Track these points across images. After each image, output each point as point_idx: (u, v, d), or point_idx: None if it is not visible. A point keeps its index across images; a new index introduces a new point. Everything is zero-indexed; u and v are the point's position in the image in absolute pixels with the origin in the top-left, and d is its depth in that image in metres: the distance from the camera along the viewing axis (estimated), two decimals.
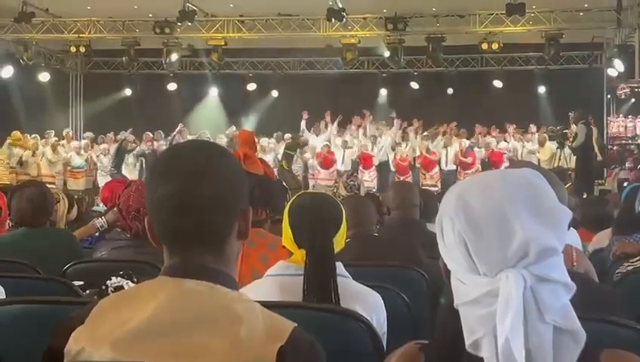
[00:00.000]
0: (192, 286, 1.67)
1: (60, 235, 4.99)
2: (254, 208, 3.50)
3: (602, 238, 5.83)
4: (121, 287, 3.07)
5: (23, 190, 4.96)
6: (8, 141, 19.63)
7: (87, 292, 3.24)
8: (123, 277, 3.14)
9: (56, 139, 20.65)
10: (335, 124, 20.98)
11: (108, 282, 3.12)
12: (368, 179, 19.27)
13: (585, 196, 13.52)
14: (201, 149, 1.80)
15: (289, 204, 3.07)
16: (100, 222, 5.65)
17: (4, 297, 3.07)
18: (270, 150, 19.97)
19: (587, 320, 1.57)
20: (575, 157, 17.20)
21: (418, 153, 20.14)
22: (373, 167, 20.02)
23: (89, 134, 21.80)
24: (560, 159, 17.55)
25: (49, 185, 15.74)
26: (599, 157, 18.28)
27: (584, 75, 21.42)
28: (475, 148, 19.96)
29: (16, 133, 19.82)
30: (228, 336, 1.59)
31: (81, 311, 1.69)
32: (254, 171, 3.63)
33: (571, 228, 4.02)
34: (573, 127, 17.08)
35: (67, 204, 6.23)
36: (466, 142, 19.87)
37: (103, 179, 19.25)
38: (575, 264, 3.63)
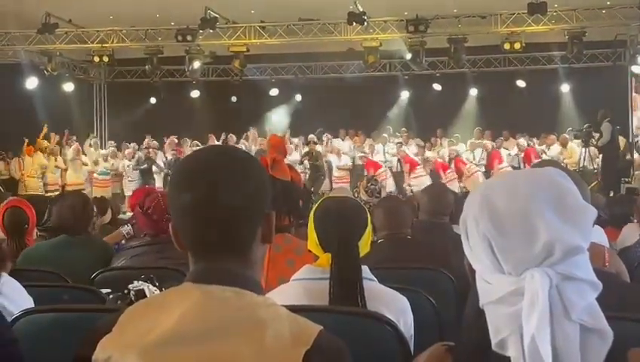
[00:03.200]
0: (218, 292, 1.66)
1: (99, 244, 5.05)
2: (277, 214, 3.52)
3: (629, 233, 5.80)
4: (141, 291, 3.10)
5: (65, 197, 5.03)
6: (40, 155, 19.82)
7: (111, 297, 3.26)
8: (144, 281, 3.16)
9: (77, 143, 20.83)
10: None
11: (130, 286, 3.14)
12: (415, 184, 19.07)
13: (611, 194, 13.41)
14: (222, 156, 1.79)
15: (314, 207, 3.06)
16: (126, 229, 5.72)
17: (34, 306, 3.10)
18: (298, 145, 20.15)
19: (614, 319, 1.56)
20: (601, 155, 17.08)
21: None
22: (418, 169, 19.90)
23: (112, 143, 21.95)
24: (585, 157, 17.40)
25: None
26: (628, 156, 18.10)
27: (608, 72, 21.24)
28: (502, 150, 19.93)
29: (41, 141, 20.00)
30: (253, 342, 1.58)
31: (109, 319, 1.69)
32: (280, 176, 3.63)
33: (597, 227, 4.00)
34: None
35: (96, 210, 6.29)
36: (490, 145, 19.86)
37: (130, 185, 19.42)
38: (607, 264, 3.60)
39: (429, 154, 20.17)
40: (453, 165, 19.83)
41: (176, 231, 1.76)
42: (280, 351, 1.58)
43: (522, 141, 19.90)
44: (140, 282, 3.15)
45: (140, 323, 1.65)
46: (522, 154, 19.52)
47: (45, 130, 20.19)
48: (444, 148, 20.79)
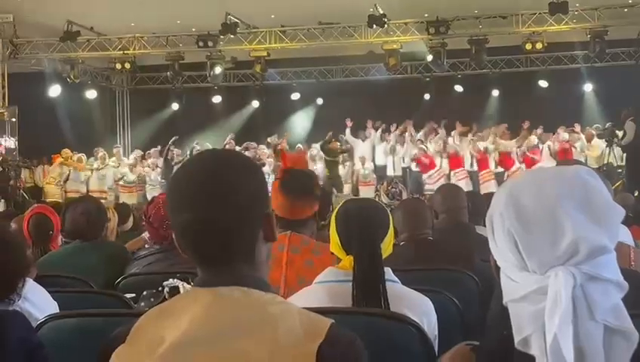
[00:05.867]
0: (226, 293, 1.67)
1: (111, 248, 5.04)
2: (294, 201, 3.55)
3: None
4: (176, 288, 3.09)
5: (77, 203, 5.03)
6: (60, 160, 19.90)
7: (145, 293, 3.26)
8: (180, 280, 3.16)
9: (105, 153, 20.89)
10: (379, 131, 21.07)
11: (164, 283, 3.14)
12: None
13: (636, 193, 13.29)
14: (216, 168, 1.78)
15: (336, 210, 3.06)
16: (147, 234, 5.71)
17: (58, 311, 3.11)
18: (320, 158, 20.00)
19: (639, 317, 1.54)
20: (625, 155, 16.93)
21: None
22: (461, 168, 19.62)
23: (138, 152, 21.98)
24: (609, 156, 17.25)
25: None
26: None
27: (631, 71, 21.08)
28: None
29: (67, 151, 20.10)
30: (266, 339, 1.59)
31: (123, 330, 1.71)
32: (294, 165, 3.66)
33: (622, 225, 3.96)
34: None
35: (117, 217, 6.29)
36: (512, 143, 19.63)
37: (152, 193, 19.44)
38: (633, 263, 3.56)
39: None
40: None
41: (179, 243, 1.78)
42: (293, 345, 1.59)
43: (559, 140, 19.43)
44: (175, 280, 3.15)
45: (152, 332, 1.66)
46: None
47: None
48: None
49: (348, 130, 21.28)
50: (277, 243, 3.40)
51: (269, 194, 1.86)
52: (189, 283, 3.16)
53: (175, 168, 19.40)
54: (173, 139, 20.10)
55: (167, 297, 3.04)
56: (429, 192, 16.82)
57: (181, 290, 3.09)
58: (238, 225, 1.72)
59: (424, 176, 19.57)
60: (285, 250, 3.43)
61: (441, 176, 19.20)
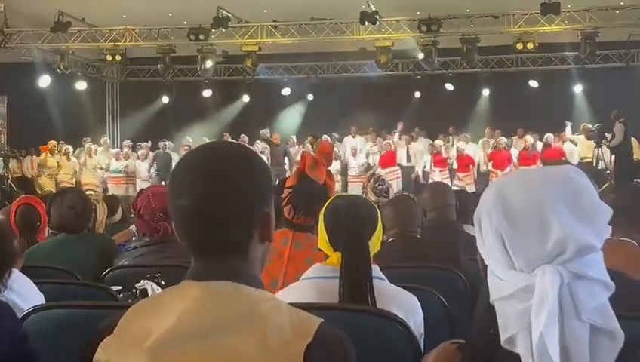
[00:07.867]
0: (217, 288, 1.67)
1: (100, 241, 5.03)
2: (297, 212, 3.59)
3: None
4: (144, 290, 3.11)
5: (63, 196, 5.01)
6: (47, 151, 19.82)
7: (121, 296, 3.27)
8: (149, 280, 3.17)
9: (91, 143, 20.76)
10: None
11: (136, 285, 3.15)
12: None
13: None
14: (217, 160, 1.78)
15: (324, 206, 3.06)
16: (135, 227, 5.70)
17: (44, 302, 3.10)
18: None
19: (627, 319, 1.55)
20: (613, 156, 17.00)
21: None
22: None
23: (127, 142, 21.86)
24: (598, 157, 17.31)
25: (89, 193, 15.89)
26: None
27: (621, 73, 21.19)
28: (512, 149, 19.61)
29: (52, 143, 19.98)
30: (255, 337, 1.58)
31: (110, 321, 1.70)
32: (313, 177, 3.66)
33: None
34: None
35: (106, 209, 6.28)
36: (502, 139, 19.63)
37: (142, 185, 19.32)
38: None
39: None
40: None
41: (177, 230, 1.78)
42: (282, 344, 1.58)
43: (529, 137, 19.39)
44: (145, 281, 3.16)
45: (139, 324, 1.65)
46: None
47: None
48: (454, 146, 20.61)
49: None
50: (281, 238, 3.44)
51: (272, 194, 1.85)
52: (158, 284, 3.17)
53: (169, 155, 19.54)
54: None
55: (140, 299, 3.05)
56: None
57: (149, 292, 3.10)
58: (231, 216, 1.72)
59: (381, 171, 19.43)
60: (289, 244, 3.45)
61: (396, 177, 19.15)
